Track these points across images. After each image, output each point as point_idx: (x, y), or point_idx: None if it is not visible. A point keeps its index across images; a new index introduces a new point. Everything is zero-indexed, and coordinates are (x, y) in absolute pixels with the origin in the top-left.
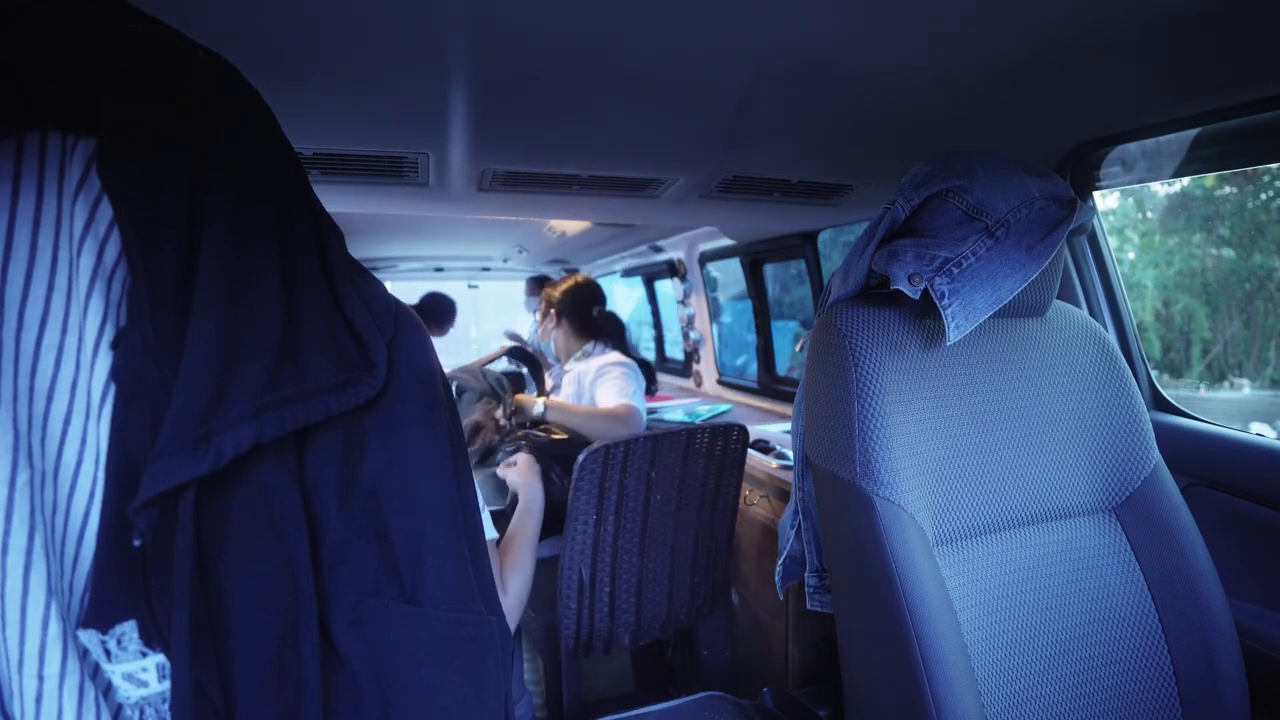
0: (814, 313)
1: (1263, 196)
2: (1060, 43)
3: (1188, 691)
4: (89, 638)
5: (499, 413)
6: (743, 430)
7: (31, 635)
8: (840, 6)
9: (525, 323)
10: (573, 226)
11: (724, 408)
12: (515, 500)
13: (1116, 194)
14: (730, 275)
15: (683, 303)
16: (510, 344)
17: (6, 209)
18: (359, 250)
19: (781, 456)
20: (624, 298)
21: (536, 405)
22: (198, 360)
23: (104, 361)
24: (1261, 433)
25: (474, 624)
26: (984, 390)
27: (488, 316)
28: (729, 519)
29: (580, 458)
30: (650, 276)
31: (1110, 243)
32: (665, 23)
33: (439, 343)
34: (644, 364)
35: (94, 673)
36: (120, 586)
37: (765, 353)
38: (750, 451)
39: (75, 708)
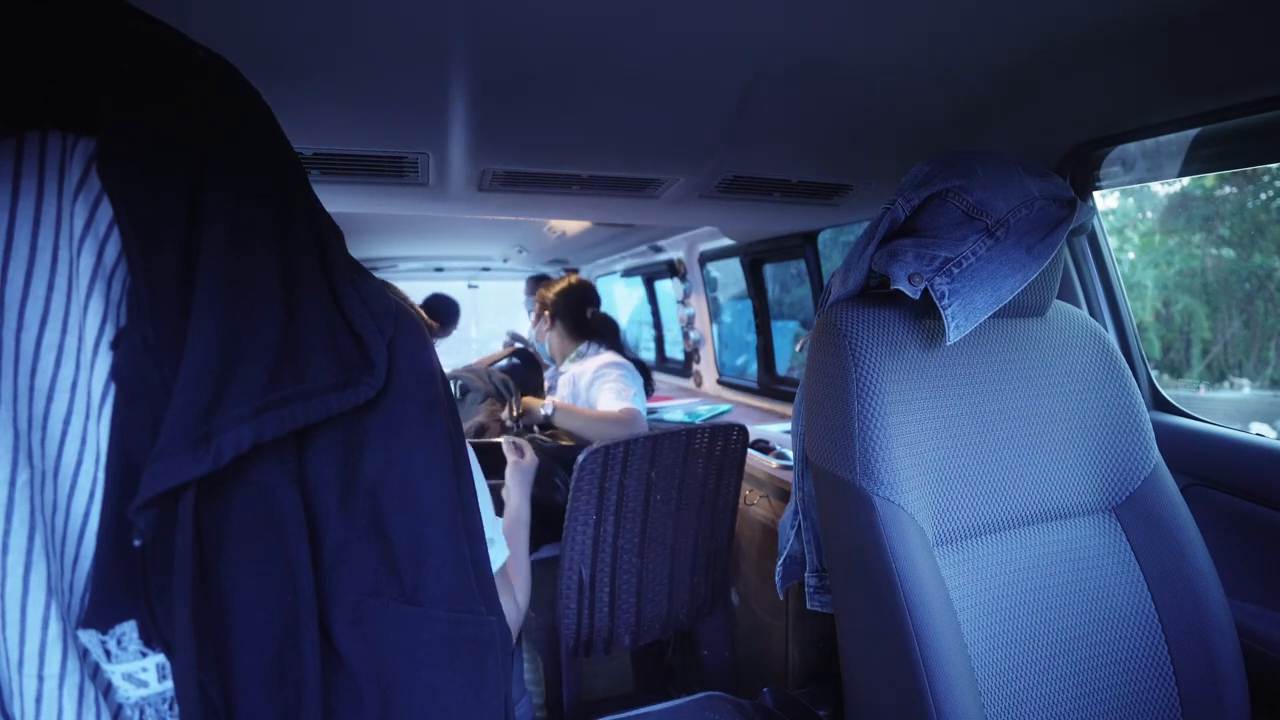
0: (814, 313)
1: (1263, 196)
2: (1060, 43)
3: (1188, 691)
4: (89, 638)
5: (504, 413)
6: (743, 430)
7: (31, 635)
8: (840, 6)
9: (526, 322)
10: (573, 226)
11: (724, 408)
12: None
13: (1116, 194)
14: (730, 275)
15: (683, 303)
16: (515, 345)
17: (6, 209)
18: (359, 250)
19: (781, 456)
20: (624, 298)
21: (544, 406)
22: (198, 360)
23: (104, 361)
24: (1261, 433)
25: (474, 624)
26: (984, 390)
27: (488, 316)
28: (729, 519)
29: (580, 458)
30: (650, 276)
31: (1110, 243)
32: (665, 23)
33: (440, 343)
34: (640, 365)
35: (94, 673)
36: (120, 586)
37: (765, 353)
38: (750, 451)
39: (75, 708)
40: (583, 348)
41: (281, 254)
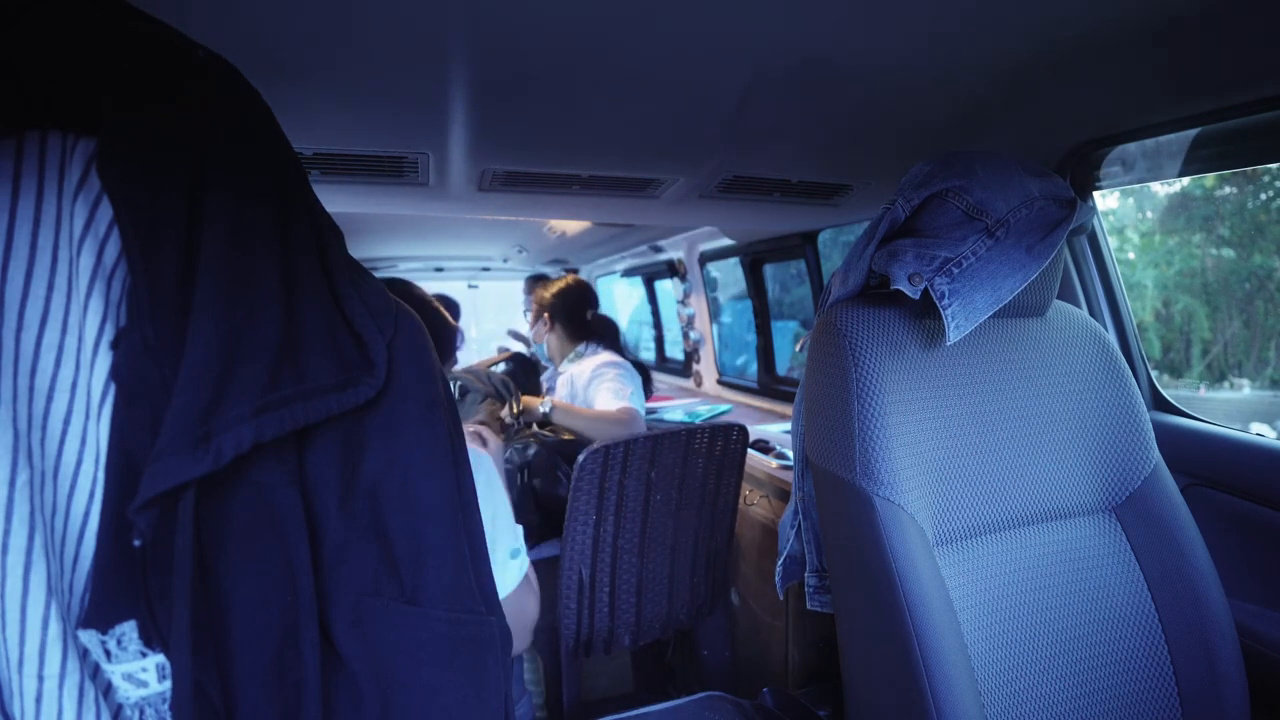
0: (814, 313)
1: (1263, 196)
2: (1060, 43)
3: (1188, 691)
4: (89, 638)
5: (504, 412)
6: (743, 430)
7: (31, 635)
8: (840, 7)
9: (525, 322)
10: (573, 226)
11: (724, 408)
12: None
13: (1116, 194)
14: (730, 275)
15: (683, 303)
16: (514, 348)
17: (6, 209)
18: (359, 250)
19: (781, 456)
20: (624, 297)
21: (543, 405)
22: (198, 360)
23: (104, 361)
24: (1261, 433)
25: (474, 624)
26: (984, 390)
27: (488, 316)
28: (729, 519)
29: (580, 458)
30: (650, 276)
31: (1110, 243)
32: (665, 22)
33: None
34: (639, 366)
35: (94, 673)
36: (120, 586)
37: (765, 353)
38: (750, 451)
39: (75, 708)
40: (580, 348)
41: (281, 254)
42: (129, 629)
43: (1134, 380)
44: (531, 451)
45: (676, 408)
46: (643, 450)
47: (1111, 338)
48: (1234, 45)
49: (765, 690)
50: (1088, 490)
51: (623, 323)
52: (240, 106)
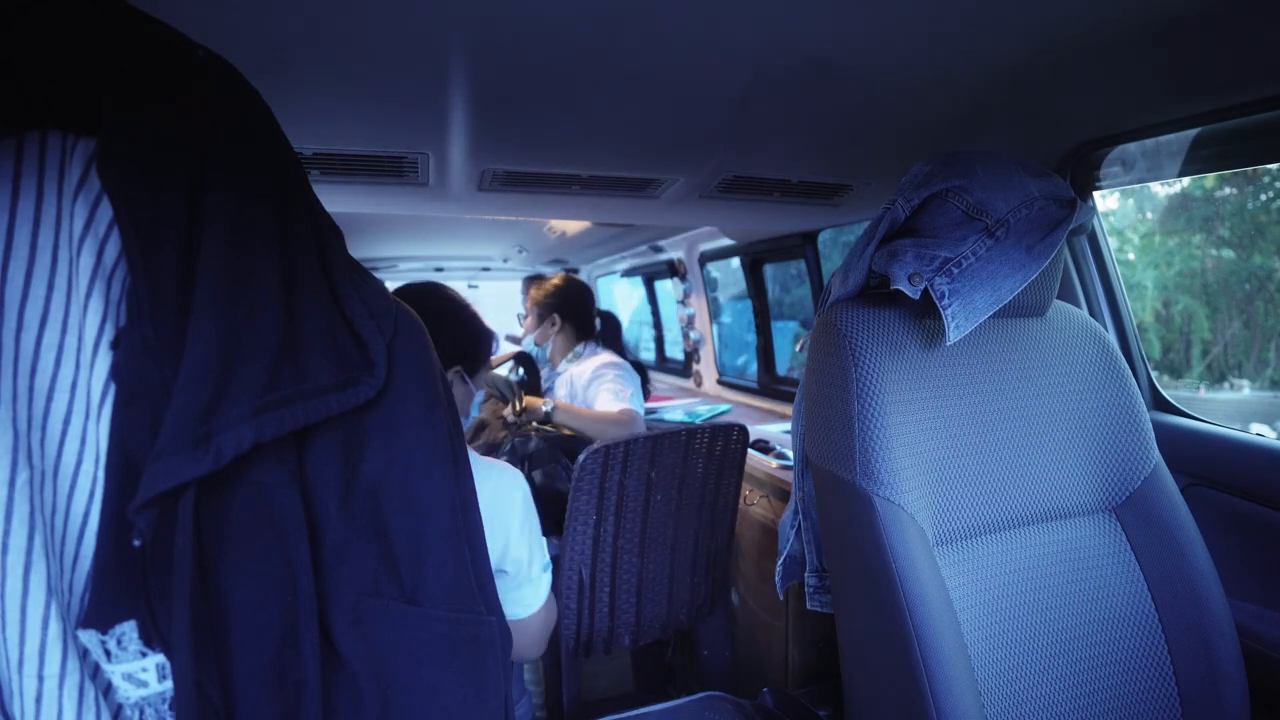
0: (814, 313)
1: (1263, 197)
2: (1060, 43)
3: (1188, 691)
4: (89, 638)
5: (506, 410)
6: (743, 430)
7: (31, 635)
8: (840, 7)
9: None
10: (573, 226)
11: (724, 408)
12: None
13: (1116, 194)
14: (730, 275)
15: (683, 303)
16: (516, 349)
17: (6, 209)
18: (359, 250)
19: (781, 456)
20: (624, 297)
21: (545, 405)
22: (198, 360)
23: (104, 361)
24: (1261, 433)
25: (474, 624)
26: (984, 390)
27: (487, 316)
28: (729, 519)
29: (580, 458)
30: (650, 276)
31: (1110, 243)
32: (665, 23)
33: None
34: (637, 366)
35: (94, 673)
36: (120, 586)
37: (765, 353)
38: (750, 451)
39: (75, 708)
40: (579, 348)
41: (281, 254)
42: (129, 629)
43: (1134, 380)
44: (533, 444)
45: (676, 408)
46: (643, 450)
47: (1111, 338)
48: (1234, 45)
49: (765, 690)
50: (1088, 490)
51: (623, 323)
52: (240, 106)
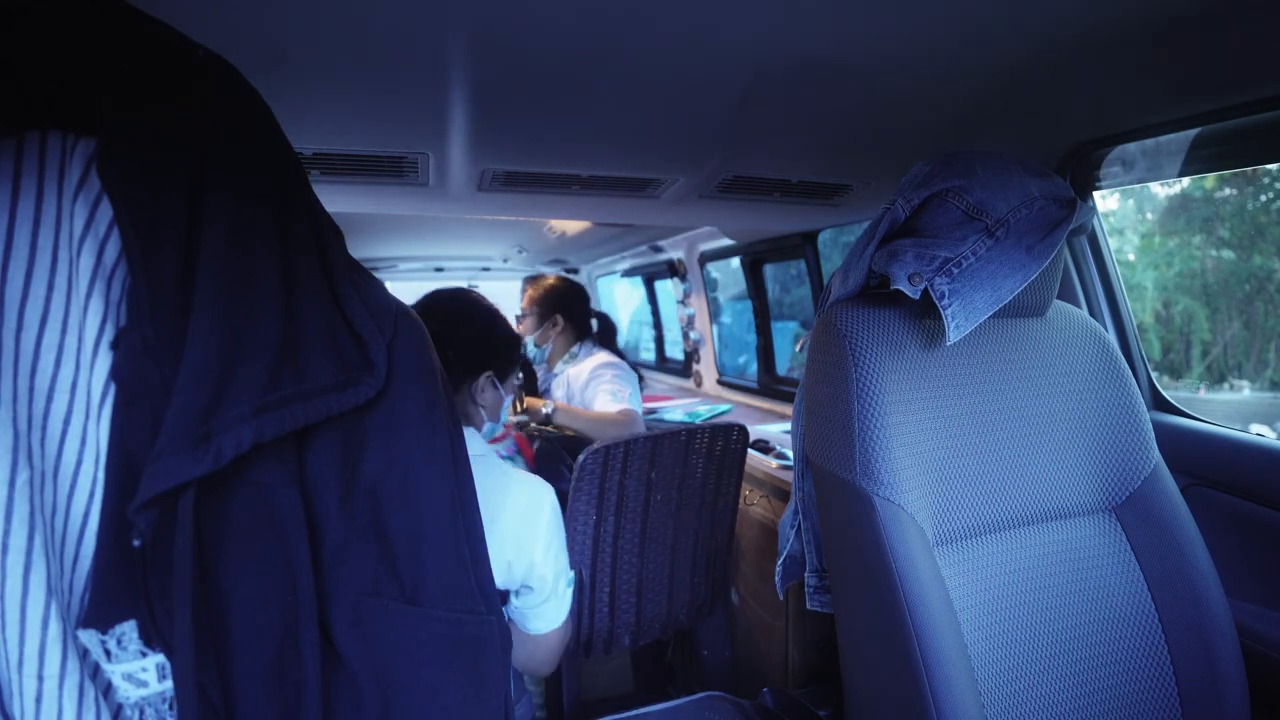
0: (814, 313)
1: (1263, 198)
2: (1060, 43)
3: (1188, 691)
4: (89, 638)
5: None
6: (743, 430)
7: (31, 635)
8: (840, 7)
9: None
10: (573, 226)
11: (724, 408)
12: None
13: (1116, 195)
14: (730, 275)
15: (683, 303)
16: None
17: (6, 209)
18: (359, 250)
19: (781, 456)
20: (624, 297)
21: (545, 406)
22: (198, 360)
23: (104, 361)
24: (1261, 433)
25: (474, 624)
26: (984, 390)
27: None
28: (729, 519)
29: (580, 458)
30: (650, 276)
31: (1110, 243)
32: (665, 23)
33: None
34: (631, 366)
35: (94, 673)
36: (120, 586)
37: (765, 353)
38: (750, 451)
39: (75, 708)
40: (576, 349)
41: (281, 254)
42: (129, 629)
43: (1134, 380)
44: (535, 445)
45: (676, 408)
46: (643, 450)
47: (1111, 338)
48: (1234, 45)
49: (765, 690)
50: (1088, 490)
51: (623, 323)
52: (240, 106)
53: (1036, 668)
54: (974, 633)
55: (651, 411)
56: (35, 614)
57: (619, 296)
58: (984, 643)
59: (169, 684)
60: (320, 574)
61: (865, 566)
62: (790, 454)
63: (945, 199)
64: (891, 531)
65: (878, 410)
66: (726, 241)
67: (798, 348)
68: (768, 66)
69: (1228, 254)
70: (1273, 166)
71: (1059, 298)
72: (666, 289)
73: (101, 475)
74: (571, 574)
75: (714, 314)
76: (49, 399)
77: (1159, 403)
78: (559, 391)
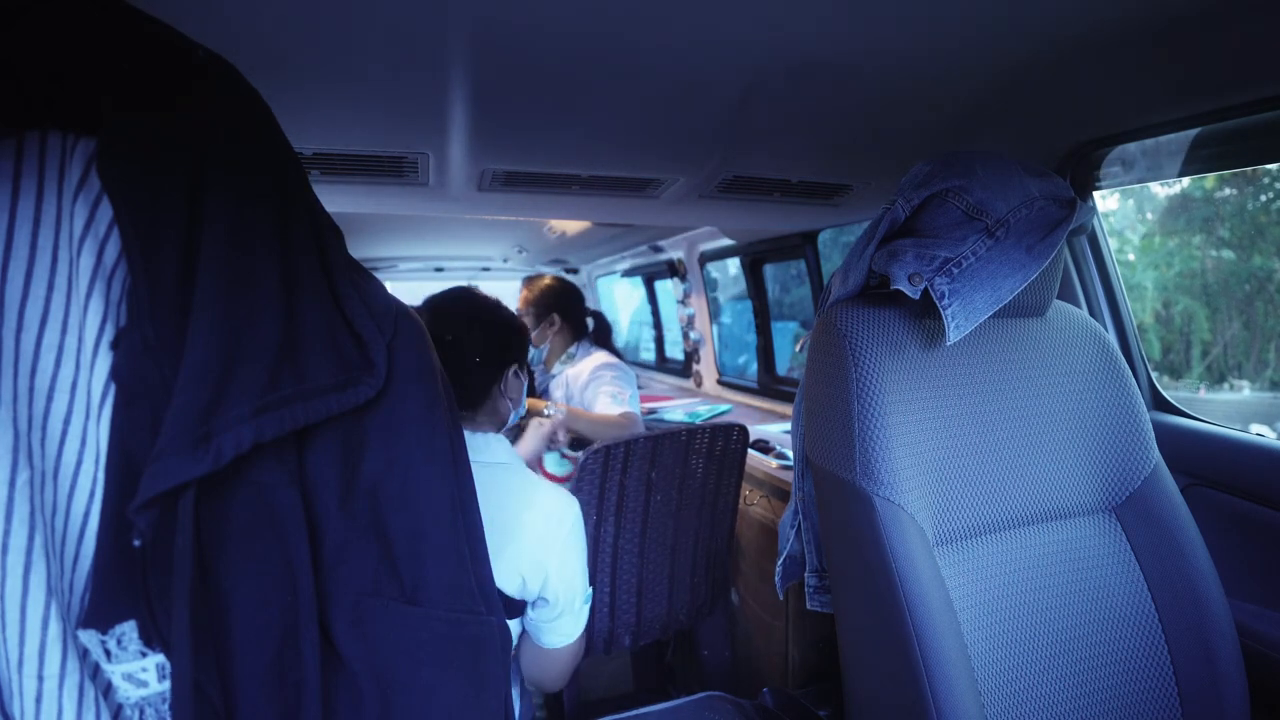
0: (814, 313)
1: (1263, 198)
2: (1060, 43)
3: (1188, 691)
4: (89, 638)
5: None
6: (743, 430)
7: (31, 635)
8: (840, 7)
9: None
10: (573, 226)
11: (724, 408)
12: None
13: (1116, 195)
14: (730, 275)
15: (683, 303)
16: None
17: (6, 209)
18: (359, 250)
19: (781, 456)
20: (624, 297)
21: (547, 408)
22: (198, 360)
23: (104, 361)
24: (1261, 433)
25: (474, 624)
26: (984, 390)
27: None
28: (729, 519)
29: (581, 458)
30: (650, 276)
31: (1110, 243)
32: (665, 23)
33: None
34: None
35: (94, 673)
36: (120, 586)
37: (765, 353)
38: (750, 451)
39: (75, 708)
40: (573, 349)
41: (281, 254)
42: (129, 629)
43: (1134, 380)
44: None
45: (676, 408)
46: (643, 450)
47: (1111, 338)
48: (1234, 45)
49: (765, 690)
50: (1088, 490)
51: (623, 322)
52: (240, 106)
53: (1036, 668)
54: (974, 633)
55: (651, 411)
56: (35, 614)
57: (619, 296)
58: (984, 643)
59: (169, 684)
60: (320, 574)
61: (865, 566)
62: (790, 454)
63: (945, 199)
64: (891, 531)
65: (878, 410)
66: (726, 241)
67: (798, 348)
68: (768, 66)
69: (1228, 254)
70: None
71: (1059, 298)
72: (666, 289)
73: (101, 475)
74: (590, 591)
75: (714, 314)
76: (49, 399)
77: (1159, 403)
78: (558, 392)
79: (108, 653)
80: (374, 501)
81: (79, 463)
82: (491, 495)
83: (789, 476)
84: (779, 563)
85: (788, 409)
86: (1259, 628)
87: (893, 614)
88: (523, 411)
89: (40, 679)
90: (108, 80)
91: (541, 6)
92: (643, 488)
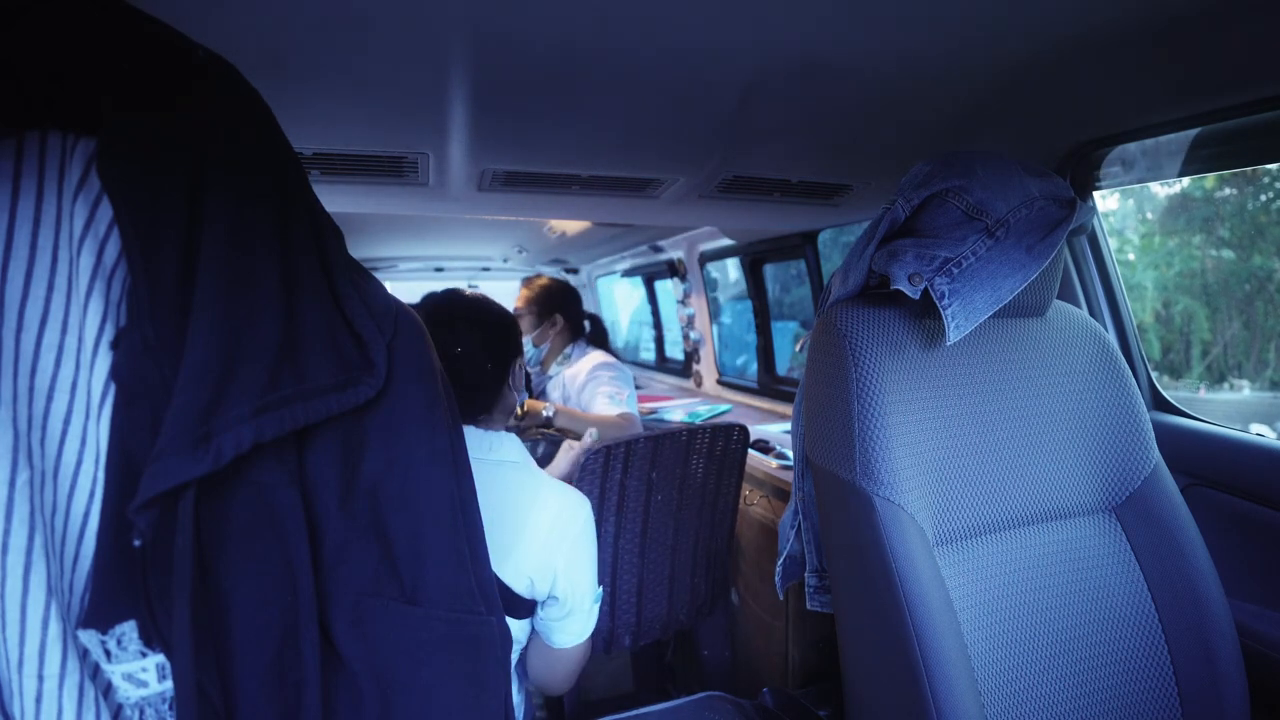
0: (814, 313)
1: (1263, 198)
2: (1060, 43)
3: (1188, 691)
4: (89, 638)
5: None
6: (743, 430)
7: (31, 635)
8: (840, 7)
9: None
10: (573, 226)
11: (724, 408)
12: None
13: (1116, 195)
14: (730, 275)
15: (683, 303)
16: None
17: (6, 209)
18: (359, 250)
19: (781, 456)
20: (624, 297)
21: (546, 409)
22: (198, 360)
23: (104, 361)
24: (1261, 433)
25: (474, 624)
26: (984, 390)
27: None
28: (729, 519)
29: (582, 458)
30: (650, 276)
31: (1110, 243)
32: (665, 23)
33: None
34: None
35: (94, 673)
36: (120, 586)
37: (765, 353)
38: (750, 451)
39: (75, 708)
40: (569, 350)
41: (281, 254)
42: (129, 629)
43: (1134, 380)
44: (541, 449)
45: (676, 408)
46: (644, 450)
47: (1111, 338)
48: (1234, 45)
49: (765, 690)
50: (1088, 490)
51: (623, 322)
52: (240, 106)
53: (1036, 668)
54: (974, 633)
55: (651, 412)
56: (35, 614)
57: (619, 296)
58: (984, 643)
59: (169, 684)
60: (320, 574)
61: (865, 566)
62: (790, 454)
63: (945, 199)
64: (891, 531)
65: (878, 410)
66: (726, 241)
67: (798, 348)
68: (768, 66)
69: (1228, 254)
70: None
71: (1059, 298)
72: (666, 289)
73: (101, 475)
74: (600, 591)
75: (714, 314)
76: (49, 399)
77: (1159, 403)
78: (555, 394)
79: (108, 653)
80: (374, 501)
81: (79, 463)
82: (501, 494)
83: (789, 476)
84: (779, 563)
85: (788, 409)
86: (1259, 628)
87: (893, 614)
88: (525, 398)
89: (40, 679)
90: (108, 80)
91: (541, 6)
92: (643, 488)
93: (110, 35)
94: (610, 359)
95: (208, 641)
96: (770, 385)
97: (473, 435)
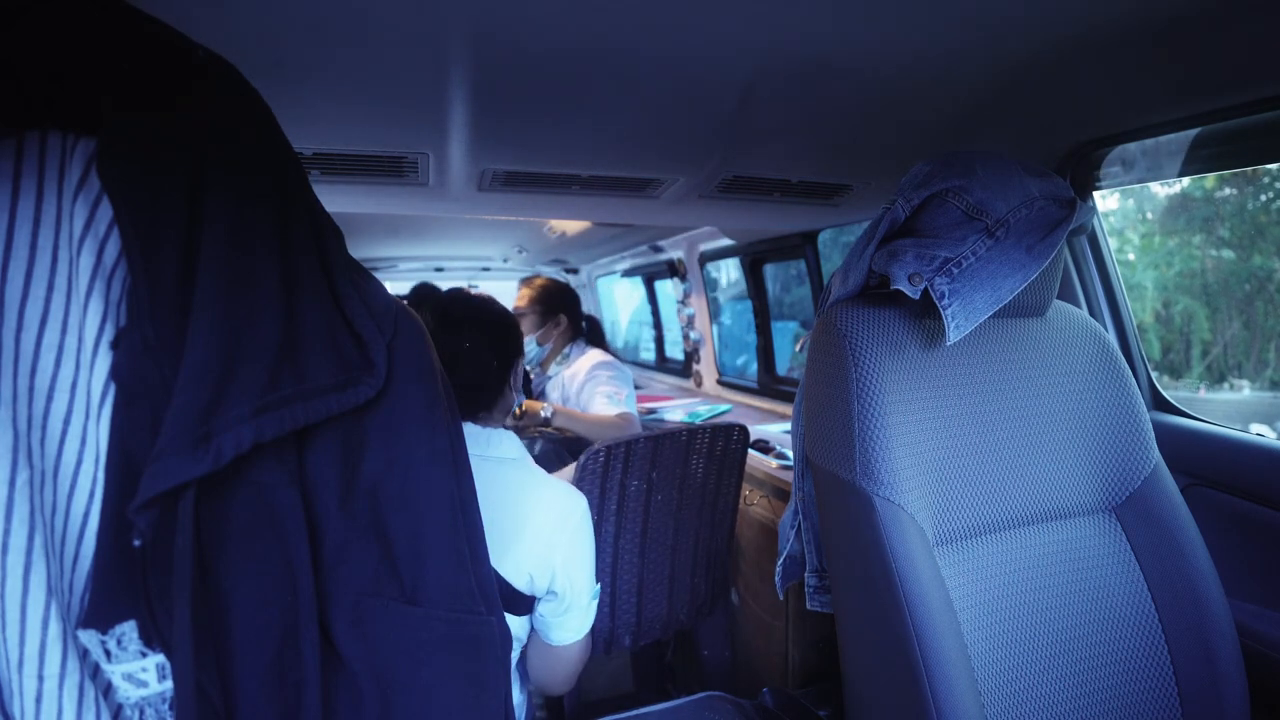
0: (814, 313)
1: (1263, 198)
2: (1060, 43)
3: (1188, 691)
4: (89, 638)
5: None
6: (743, 430)
7: (31, 635)
8: (840, 7)
9: None
10: (573, 226)
11: (724, 408)
12: None
13: (1116, 195)
14: (730, 275)
15: (683, 303)
16: None
17: (6, 209)
18: (359, 250)
19: (781, 456)
20: (624, 297)
21: (545, 410)
22: (198, 360)
23: (104, 361)
24: (1261, 433)
25: (474, 624)
26: (984, 390)
27: None
28: (729, 519)
29: (582, 459)
30: (650, 276)
31: (1110, 243)
32: (665, 23)
33: None
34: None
35: (94, 673)
36: (120, 586)
37: (765, 353)
38: (750, 451)
39: (75, 708)
40: (568, 350)
41: (281, 254)
42: (129, 629)
43: (1134, 380)
44: (539, 448)
45: (676, 408)
46: (644, 450)
47: (1111, 338)
48: (1234, 45)
49: (765, 690)
50: (1088, 490)
51: (623, 323)
52: (240, 106)
53: (1036, 668)
54: (974, 633)
55: (651, 411)
56: (35, 614)
57: (619, 296)
58: (984, 643)
59: (169, 684)
60: (320, 574)
61: (865, 566)
62: (790, 454)
63: (945, 199)
64: (891, 531)
65: (878, 410)
66: (726, 241)
67: (798, 348)
68: (768, 66)
69: (1228, 254)
70: (1273, 166)
71: (1059, 298)
72: (666, 289)
73: (101, 475)
74: (598, 588)
75: (714, 314)
76: (49, 399)
77: (1159, 403)
78: (554, 393)
79: (108, 653)
80: (374, 501)
81: (79, 463)
82: (500, 491)
83: (789, 476)
84: (779, 563)
85: (788, 409)
86: (1259, 628)
87: (893, 614)
88: (523, 399)
89: (40, 679)
90: (108, 80)
91: (541, 6)
92: (643, 487)
93: (110, 35)
94: (609, 358)
95: (208, 641)
96: (770, 385)
97: (472, 432)
